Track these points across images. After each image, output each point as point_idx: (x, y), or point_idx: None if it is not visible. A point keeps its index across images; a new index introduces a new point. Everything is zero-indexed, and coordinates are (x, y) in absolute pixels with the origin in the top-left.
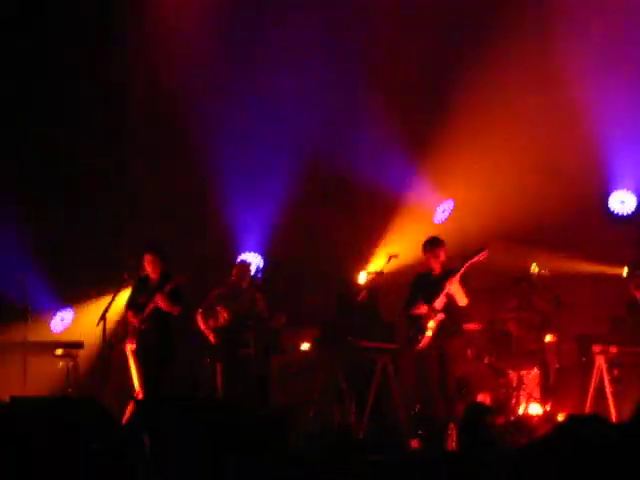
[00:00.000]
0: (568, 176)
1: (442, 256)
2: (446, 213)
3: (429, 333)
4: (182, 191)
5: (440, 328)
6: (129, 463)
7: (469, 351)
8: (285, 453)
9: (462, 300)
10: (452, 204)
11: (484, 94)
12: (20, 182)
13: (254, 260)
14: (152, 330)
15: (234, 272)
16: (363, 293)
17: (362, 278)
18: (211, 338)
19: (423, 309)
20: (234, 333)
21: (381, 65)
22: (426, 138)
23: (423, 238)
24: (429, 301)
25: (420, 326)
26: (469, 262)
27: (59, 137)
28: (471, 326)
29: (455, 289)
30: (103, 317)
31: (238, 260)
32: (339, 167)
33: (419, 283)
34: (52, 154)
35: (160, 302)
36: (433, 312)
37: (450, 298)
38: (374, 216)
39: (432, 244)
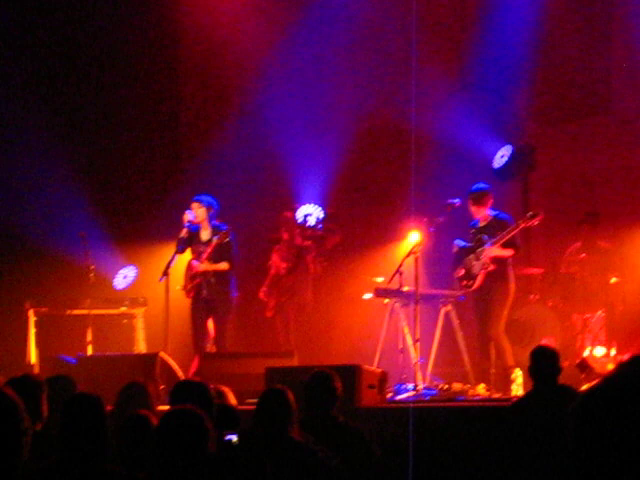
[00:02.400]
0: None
1: (485, 209)
2: (505, 158)
3: (478, 280)
4: (241, 147)
5: (486, 275)
6: (195, 417)
7: (532, 295)
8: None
9: (505, 255)
10: (511, 149)
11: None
12: (81, 141)
13: (314, 212)
14: (204, 285)
15: (282, 230)
16: (415, 247)
17: (414, 237)
18: (268, 313)
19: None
20: (289, 284)
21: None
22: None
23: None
24: (470, 252)
25: (468, 276)
26: (519, 227)
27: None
28: (533, 270)
29: (495, 252)
30: (166, 273)
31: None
32: (395, 118)
33: (470, 236)
34: (113, 117)
35: (203, 269)
36: (470, 279)
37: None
38: (432, 165)
39: (477, 196)
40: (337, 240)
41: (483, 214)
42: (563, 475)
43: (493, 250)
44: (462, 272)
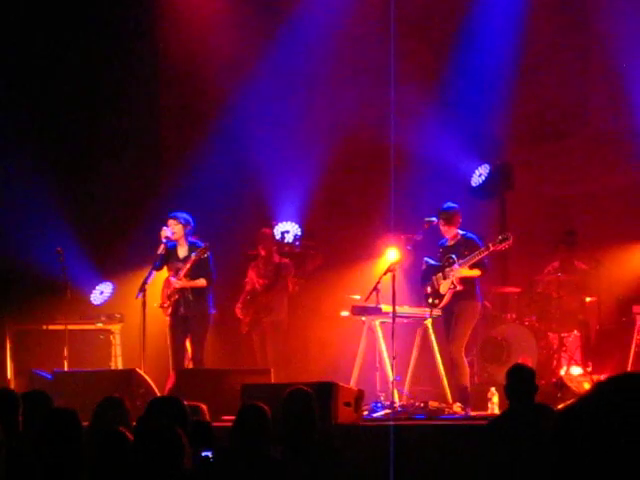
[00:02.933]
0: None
1: (455, 229)
2: (482, 177)
3: (445, 299)
4: (219, 164)
5: (453, 294)
6: (171, 433)
7: (508, 314)
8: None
9: (473, 275)
10: (489, 168)
11: None
12: (59, 156)
13: (292, 229)
14: (181, 302)
15: (259, 246)
16: (392, 265)
17: (392, 254)
18: (242, 329)
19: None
20: (266, 301)
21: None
22: (460, 100)
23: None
24: (439, 271)
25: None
26: (488, 250)
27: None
28: (510, 289)
29: (463, 273)
30: (142, 289)
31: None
32: (374, 136)
33: (438, 255)
34: (89, 132)
35: (181, 285)
36: (437, 297)
37: None
38: (410, 182)
39: (448, 215)
40: (319, 262)
41: (453, 233)
42: None
43: (461, 271)
44: (429, 290)
